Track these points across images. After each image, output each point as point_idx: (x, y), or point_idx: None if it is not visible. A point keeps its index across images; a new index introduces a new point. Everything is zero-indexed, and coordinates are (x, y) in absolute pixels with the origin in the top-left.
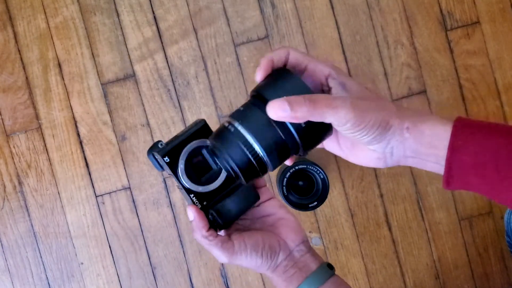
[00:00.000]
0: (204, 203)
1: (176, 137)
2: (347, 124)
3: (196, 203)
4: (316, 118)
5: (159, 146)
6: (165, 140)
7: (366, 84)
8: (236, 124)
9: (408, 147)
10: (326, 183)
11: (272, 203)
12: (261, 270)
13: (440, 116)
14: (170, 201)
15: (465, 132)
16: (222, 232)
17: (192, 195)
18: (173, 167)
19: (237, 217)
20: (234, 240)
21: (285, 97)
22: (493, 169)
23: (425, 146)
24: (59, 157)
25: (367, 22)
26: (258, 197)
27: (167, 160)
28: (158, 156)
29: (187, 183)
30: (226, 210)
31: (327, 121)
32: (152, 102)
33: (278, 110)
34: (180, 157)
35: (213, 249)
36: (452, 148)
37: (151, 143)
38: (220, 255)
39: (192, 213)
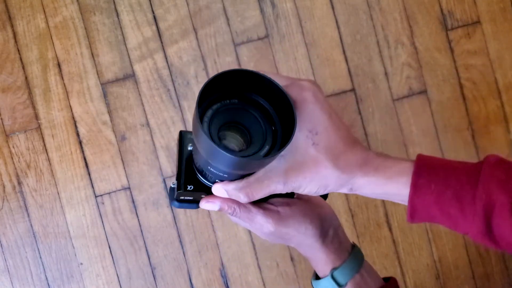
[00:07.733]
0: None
1: (178, 167)
2: (283, 191)
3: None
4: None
5: (172, 185)
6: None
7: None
8: None
9: (365, 191)
10: None
11: None
12: (309, 241)
13: (400, 159)
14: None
15: (427, 171)
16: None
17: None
18: (202, 187)
19: None
20: (278, 207)
21: (223, 199)
22: (456, 207)
23: (383, 192)
24: (59, 157)
25: (367, 21)
26: None
27: (191, 188)
28: (181, 194)
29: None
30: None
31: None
32: (152, 102)
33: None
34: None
35: (256, 218)
36: (415, 187)
37: (150, 143)
38: (265, 223)
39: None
